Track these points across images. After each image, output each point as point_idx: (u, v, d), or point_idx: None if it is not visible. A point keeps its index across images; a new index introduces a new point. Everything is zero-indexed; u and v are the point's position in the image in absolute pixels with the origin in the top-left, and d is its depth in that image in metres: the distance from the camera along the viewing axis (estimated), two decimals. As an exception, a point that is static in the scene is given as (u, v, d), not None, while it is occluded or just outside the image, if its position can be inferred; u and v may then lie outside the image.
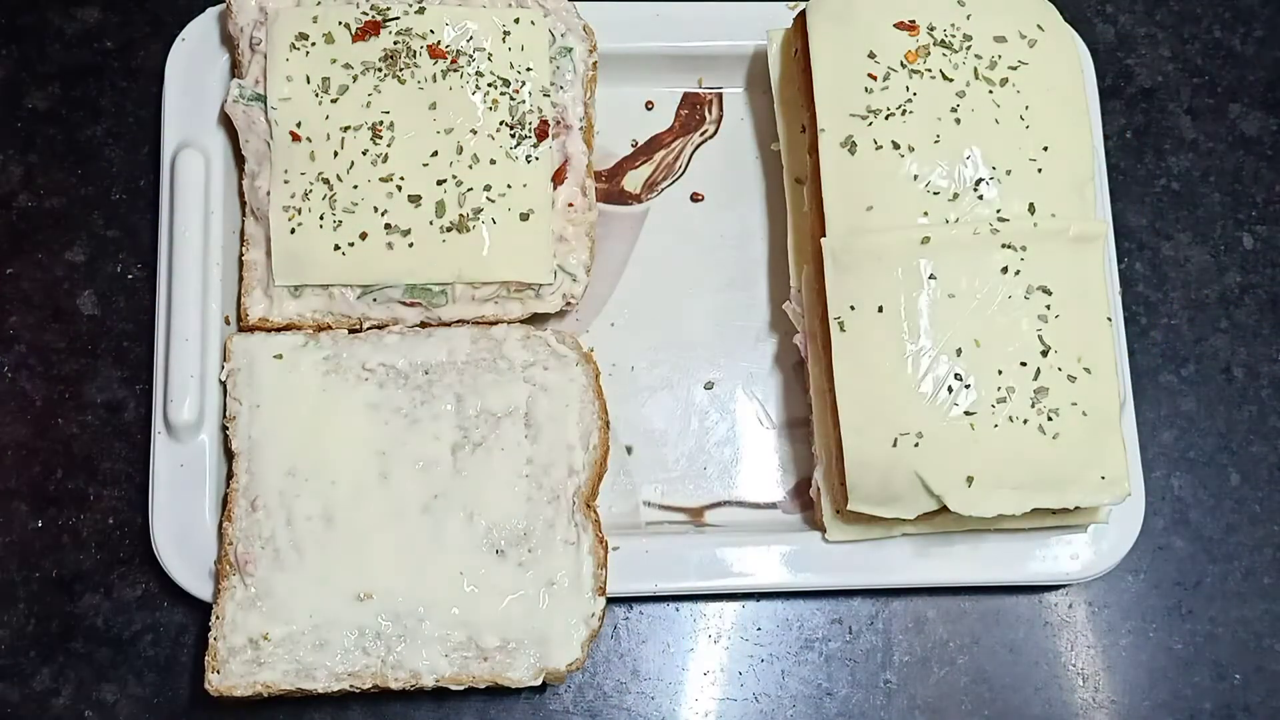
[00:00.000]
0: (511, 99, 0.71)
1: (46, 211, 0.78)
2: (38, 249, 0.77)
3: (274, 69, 0.71)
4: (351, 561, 0.67)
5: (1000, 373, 0.66)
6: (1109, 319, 0.68)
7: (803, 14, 0.72)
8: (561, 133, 0.73)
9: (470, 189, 0.70)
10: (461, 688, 0.67)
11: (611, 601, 0.73)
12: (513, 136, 0.71)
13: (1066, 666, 0.75)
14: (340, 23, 0.71)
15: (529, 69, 0.72)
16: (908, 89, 0.69)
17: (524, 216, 0.70)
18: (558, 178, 0.72)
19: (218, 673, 0.65)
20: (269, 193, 0.70)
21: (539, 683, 0.66)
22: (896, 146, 0.68)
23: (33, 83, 0.80)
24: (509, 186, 0.71)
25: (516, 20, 0.72)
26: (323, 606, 0.66)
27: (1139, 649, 0.75)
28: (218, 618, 0.66)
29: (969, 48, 0.70)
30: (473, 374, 0.70)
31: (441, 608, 0.67)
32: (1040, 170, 0.68)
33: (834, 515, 0.71)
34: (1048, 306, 0.67)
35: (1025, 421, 0.66)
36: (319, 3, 0.72)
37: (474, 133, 0.71)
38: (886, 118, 0.68)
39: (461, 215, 0.70)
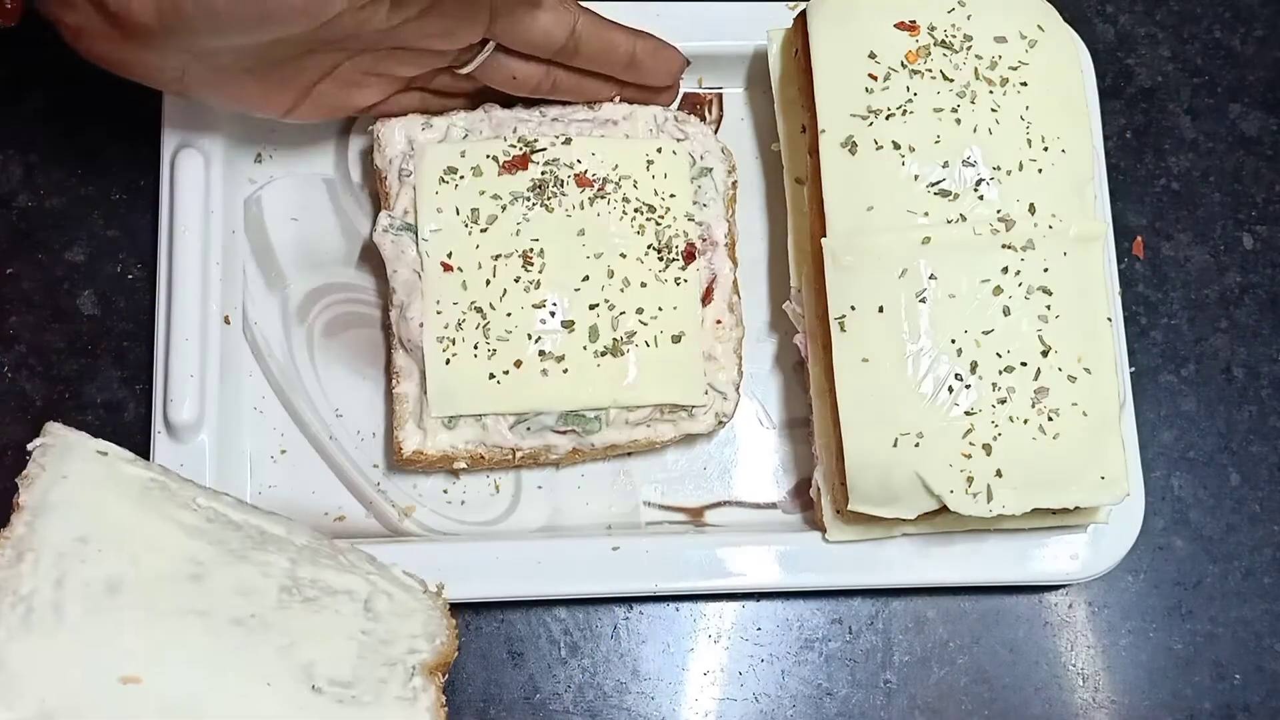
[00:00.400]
0: (657, 224, 0.72)
1: (46, 211, 0.78)
2: (38, 249, 0.77)
3: (424, 202, 0.71)
4: (125, 639, 0.55)
5: (1001, 373, 0.66)
6: (1109, 319, 0.69)
7: (803, 14, 0.72)
8: (708, 250, 0.73)
9: (623, 312, 0.70)
10: None
11: (611, 601, 0.73)
12: (660, 260, 0.71)
13: (1066, 666, 0.75)
14: (488, 156, 0.72)
15: (672, 195, 0.73)
16: (908, 89, 0.69)
17: (676, 338, 0.71)
18: (706, 297, 0.73)
19: None
20: (422, 324, 0.70)
21: None
22: (897, 146, 0.68)
23: (33, 83, 0.80)
24: (660, 309, 0.71)
25: (659, 150, 0.73)
26: (67, 688, 0.53)
27: (1139, 649, 0.75)
28: None
29: (969, 48, 0.70)
30: (311, 555, 0.62)
31: (225, 716, 0.56)
32: (1041, 170, 0.68)
33: (834, 515, 0.71)
34: (1048, 307, 0.67)
35: (1026, 421, 0.66)
36: (465, 136, 0.73)
37: (623, 257, 0.71)
38: (887, 118, 0.68)
39: (615, 339, 0.70)
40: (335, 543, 0.64)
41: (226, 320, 0.73)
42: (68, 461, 0.59)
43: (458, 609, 0.73)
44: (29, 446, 0.60)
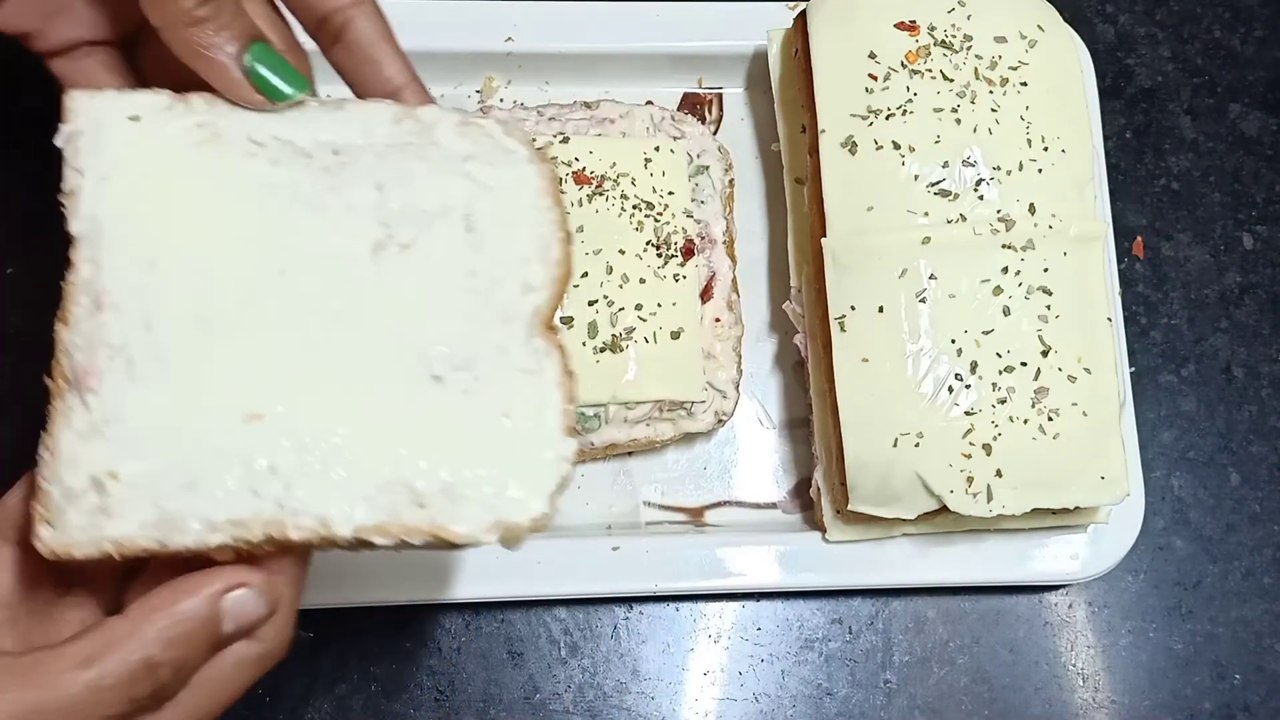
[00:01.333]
0: (655, 220, 0.72)
1: (46, 211, 0.77)
2: (38, 249, 0.77)
3: None
4: (236, 375, 0.50)
5: (1001, 373, 0.66)
6: (1109, 319, 0.69)
7: (803, 14, 0.72)
8: (706, 247, 0.73)
9: (622, 309, 0.70)
10: (389, 542, 0.49)
11: (611, 601, 0.73)
12: (659, 256, 0.71)
13: (1066, 666, 0.75)
14: None
15: (670, 192, 0.73)
16: (908, 89, 0.69)
17: (675, 335, 0.71)
18: (705, 294, 0.73)
19: (51, 526, 0.47)
20: None
21: (494, 540, 0.49)
22: (897, 146, 0.68)
23: (33, 83, 0.79)
24: (659, 305, 0.71)
25: (656, 148, 0.73)
26: (193, 431, 0.49)
27: (1139, 649, 0.75)
28: (48, 451, 0.49)
29: (969, 48, 0.70)
30: (396, 160, 0.54)
31: (362, 437, 0.50)
32: (1040, 170, 0.68)
33: (834, 515, 0.71)
34: (1048, 307, 0.67)
35: (1026, 421, 0.66)
36: None
37: (622, 253, 0.71)
38: (887, 118, 0.68)
39: (614, 335, 0.70)
40: (422, 113, 0.55)
41: (226, 320, 0.73)
42: (104, 154, 0.52)
43: (458, 608, 0.73)
44: (57, 142, 0.52)
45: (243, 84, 0.51)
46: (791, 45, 0.75)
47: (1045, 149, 0.69)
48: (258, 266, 0.51)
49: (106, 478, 0.48)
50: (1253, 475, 0.78)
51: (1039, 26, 0.71)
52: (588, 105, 0.75)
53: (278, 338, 0.51)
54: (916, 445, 0.65)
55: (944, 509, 0.66)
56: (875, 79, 0.69)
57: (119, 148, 0.52)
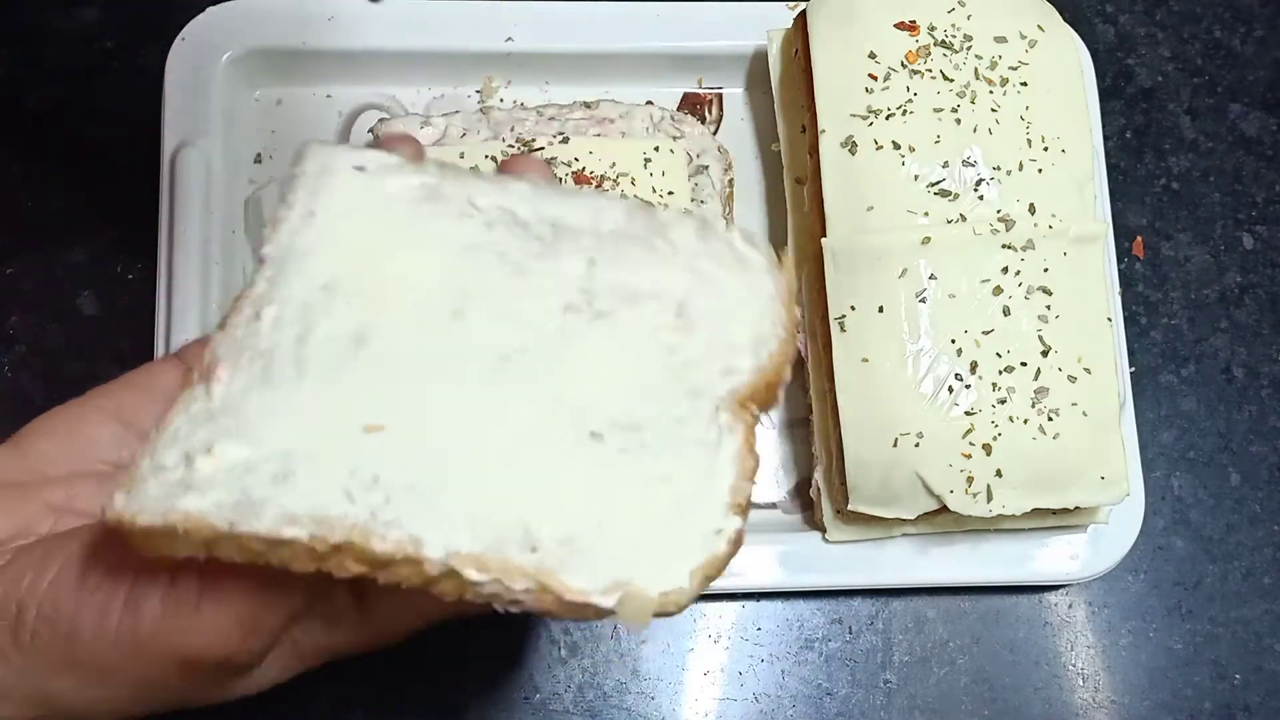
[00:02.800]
0: None
1: (46, 211, 0.78)
2: (38, 249, 0.77)
3: None
4: (369, 390, 0.47)
5: (1001, 373, 0.66)
6: (1109, 319, 0.69)
7: (803, 14, 0.72)
8: None
9: None
10: (485, 578, 0.43)
11: (611, 601, 0.73)
12: None
13: (1066, 666, 0.75)
14: (486, 156, 0.72)
15: (670, 192, 0.73)
16: (908, 89, 0.69)
17: None
18: None
19: (127, 493, 0.44)
20: None
21: (611, 605, 0.43)
22: (897, 147, 0.68)
23: (33, 83, 0.80)
24: None
25: (656, 148, 0.74)
26: (306, 431, 0.46)
27: (1139, 649, 0.75)
28: (156, 430, 0.46)
29: (969, 48, 0.70)
30: (617, 244, 0.51)
31: (487, 473, 0.46)
32: (1040, 170, 0.68)
33: (834, 515, 0.71)
34: (1048, 307, 0.67)
35: (1026, 422, 0.66)
36: (463, 135, 0.73)
37: None
38: (887, 118, 0.68)
39: None
40: (661, 214, 0.52)
41: (226, 320, 0.73)
42: (320, 194, 0.51)
43: (458, 609, 0.73)
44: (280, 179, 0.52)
45: None
46: (791, 45, 0.75)
47: (1045, 149, 0.69)
48: (433, 305, 0.49)
49: (199, 453, 0.45)
50: (1253, 475, 0.78)
51: (1039, 26, 0.71)
52: (587, 105, 0.75)
53: (427, 369, 0.48)
54: (916, 445, 0.65)
55: (944, 509, 0.66)
56: (875, 79, 0.69)
57: (335, 190, 0.51)
